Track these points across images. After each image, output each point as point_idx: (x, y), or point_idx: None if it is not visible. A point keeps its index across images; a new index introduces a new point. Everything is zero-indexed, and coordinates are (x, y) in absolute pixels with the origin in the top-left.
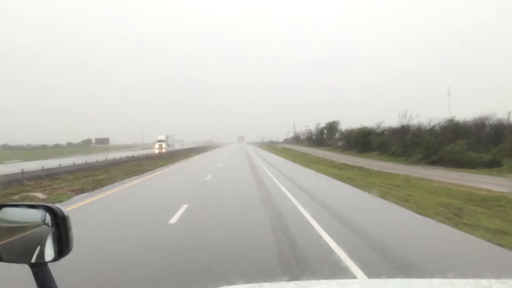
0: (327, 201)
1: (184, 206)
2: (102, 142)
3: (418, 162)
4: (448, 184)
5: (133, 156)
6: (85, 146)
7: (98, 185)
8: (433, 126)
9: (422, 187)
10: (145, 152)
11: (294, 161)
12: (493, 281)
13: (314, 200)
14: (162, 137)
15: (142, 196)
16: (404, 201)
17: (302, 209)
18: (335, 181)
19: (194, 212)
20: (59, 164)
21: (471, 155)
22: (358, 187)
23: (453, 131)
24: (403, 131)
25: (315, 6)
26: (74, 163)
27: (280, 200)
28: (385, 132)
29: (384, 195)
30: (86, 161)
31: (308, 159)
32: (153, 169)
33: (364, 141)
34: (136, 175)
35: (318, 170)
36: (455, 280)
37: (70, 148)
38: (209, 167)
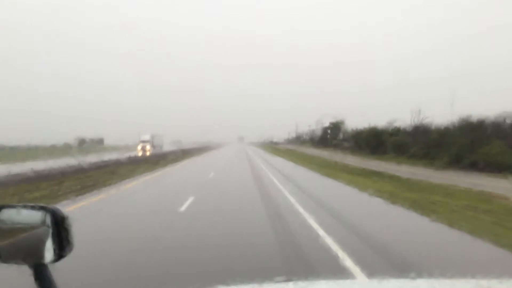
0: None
1: None
2: (97, 142)
3: (447, 166)
4: None
5: (109, 160)
6: (79, 146)
7: None
8: (463, 125)
9: None
10: (132, 154)
11: (308, 167)
12: (493, 281)
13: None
14: (146, 137)
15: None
16: None
17: None
18: (393, 206)
19: None
20: None
21: (511, 159)
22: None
23: (482, 131)
24: (421, 130)
25: (316, 6)
26: (10, 172)
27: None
28: (400, 131)
29: None
30: (32, 168)
31: (320, 163)
32: (117, 181)
33: (376, 141)
34: (88, 191)
35: (352, 184)
36: (455, 280)
37: (64, 149)
38: (197, 179)
